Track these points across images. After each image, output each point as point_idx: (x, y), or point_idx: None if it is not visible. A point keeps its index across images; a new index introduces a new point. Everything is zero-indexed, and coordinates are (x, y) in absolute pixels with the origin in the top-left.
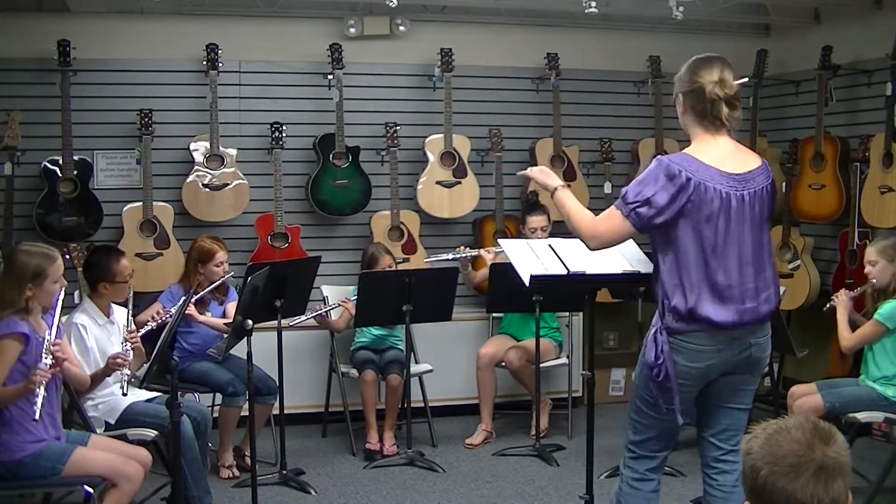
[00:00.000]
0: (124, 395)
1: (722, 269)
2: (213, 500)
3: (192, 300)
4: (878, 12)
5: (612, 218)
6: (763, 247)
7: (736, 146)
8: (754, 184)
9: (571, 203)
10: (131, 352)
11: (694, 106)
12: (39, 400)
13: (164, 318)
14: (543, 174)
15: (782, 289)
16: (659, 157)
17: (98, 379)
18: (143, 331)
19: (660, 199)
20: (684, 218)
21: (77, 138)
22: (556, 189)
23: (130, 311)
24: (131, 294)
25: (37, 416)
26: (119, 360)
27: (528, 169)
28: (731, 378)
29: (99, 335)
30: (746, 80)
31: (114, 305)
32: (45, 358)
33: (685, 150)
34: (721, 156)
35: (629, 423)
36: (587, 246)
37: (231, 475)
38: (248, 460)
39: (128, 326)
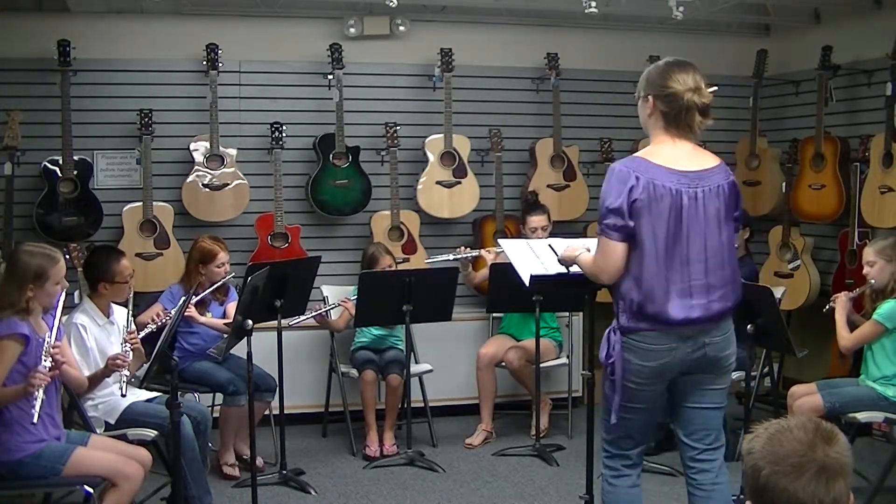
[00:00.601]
0: (123, 395)
1: (669, 266)
2: (213, 500)
3: (193, 301)
4: (878, 12)
5: (601, 247)
6: (721, 244)
7: (693, 147)
8: (709, 181)
9: (587, 260)
10: (131, 353)
11: (665, 111)
12: (38, 403)
13: (164, 320)
14: (570, 251)
15: (782, 289)
16: (611, 165)
17: (97, 379)
18: (143, 333)
19: (619, 203)
20: (637, 217)
21: (77, 138)
22: (578, 255)
23: (130, 312)
24: (131, 294)
25: (35, 420)
26: (118, 361)
27: (563, 255)
28: (691, 378)
29: (99, 335)
30: (716, 88)
31: (114, 305)
32: (45, 360)
33: (636, 153)
34: (673, 156)
35: (602, 423)
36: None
37: (233, 474)
38: (259, 459)
39: (128, 327)
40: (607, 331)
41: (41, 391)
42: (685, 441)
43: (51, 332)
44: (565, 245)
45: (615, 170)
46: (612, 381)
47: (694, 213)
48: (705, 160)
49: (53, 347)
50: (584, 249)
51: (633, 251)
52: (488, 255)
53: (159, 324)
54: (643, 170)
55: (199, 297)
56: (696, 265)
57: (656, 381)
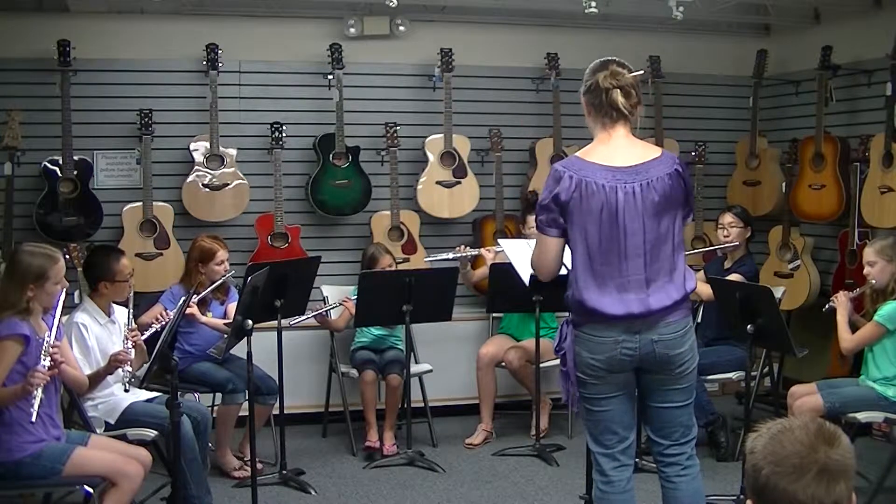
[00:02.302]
0: (126, 391)
1: (605, 262)
2: (213, 500)
3: (194, 300)
4: (878, 12)
5: (539, 244)
6: (661, 238)
7: (631, 141)
8: (647, 175)
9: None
10: (133, 350)
11: (592, 102)
12: (36, 402)
13: (167, 321)
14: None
15: (782, 289)
16: (553, 165)
17: (99, 378)
18: (146, 334)
19: (553, 202)
20: (571, 214)
21: (77, 138)
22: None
23: (131, 311)
24: (132, 294)
25: (33, 419)
26: (121, 358)
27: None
28: (650, 377)
29: (100, 334)
30: (642, 72)
31: (114, 305)
32: (44, 360)
33: (575, 153)
34: (609, 152)
35: (582, 425)
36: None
37: (241, 475)
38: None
39: (129, 325)
40: (561, 322)
41: (39, 390)
42: (653, 437)
43: (50, 331)
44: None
45: (553, 168)
46: (564, 371)
47: (632, 207)
48: (646, 153)
49: (53, 347)
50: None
51: (572, 247)
52: (487, 255)
53: (163, 323)
54: (577, 168)
55: (199, 297)
56: (633, 260)
57: (608, 375)
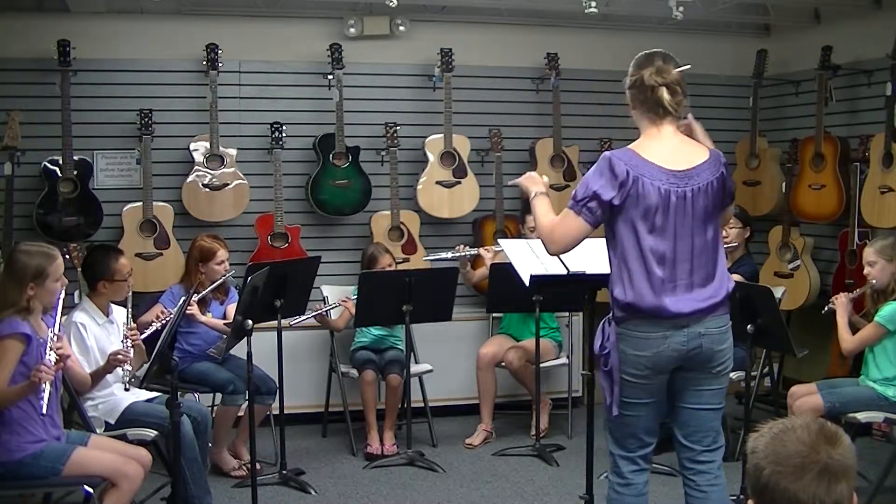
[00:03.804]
0: (126, 390)
1: (658, 263)
2: (213, 499)
3: (194, 300)
4: (878, 12)
5: (566, 219)
6: (707, 243)
7: (681, 140)
8: (698, 180)
9: (542, 211)
10: (132, 349)
11: (638, 97)
12: (46, 395)
13: (166, 319)
14: (529, 180)
15: (782, 289)
16: (605, 152)
17: (99, 376)
18: (147, 332)
19: (606, 193)
20: (624, 212)
21: (77, 138)
22: (533, 196)
23: (130, 310)
24: (130, 293)
25: (44, 410)
26: (120, 357)
27: (517, 179)
28: (687, 375)
29: (98, 334)
30: (688, 66)
31: (113, 305)
32: (49, 354)
33: (630, 146)
34: (664, 152)
35: (604, 425)
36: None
37: (240, 474)
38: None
39: (128, 324)
40: (602, 322)
41: (48, 384)
42: (683, 442)
43: (52, 328)
44: (529, 175)
45: (608, 157)
46: (607, 372)
47: (682, 212)
48: (695, 155)
49: (57, 342)
50: (543, 191)
51: (618, 247)
52: (486, 254)
53: (162, 321)
54: (635, 165)
55: (199, 296)
56: (682, 264)
57: (652, 373)
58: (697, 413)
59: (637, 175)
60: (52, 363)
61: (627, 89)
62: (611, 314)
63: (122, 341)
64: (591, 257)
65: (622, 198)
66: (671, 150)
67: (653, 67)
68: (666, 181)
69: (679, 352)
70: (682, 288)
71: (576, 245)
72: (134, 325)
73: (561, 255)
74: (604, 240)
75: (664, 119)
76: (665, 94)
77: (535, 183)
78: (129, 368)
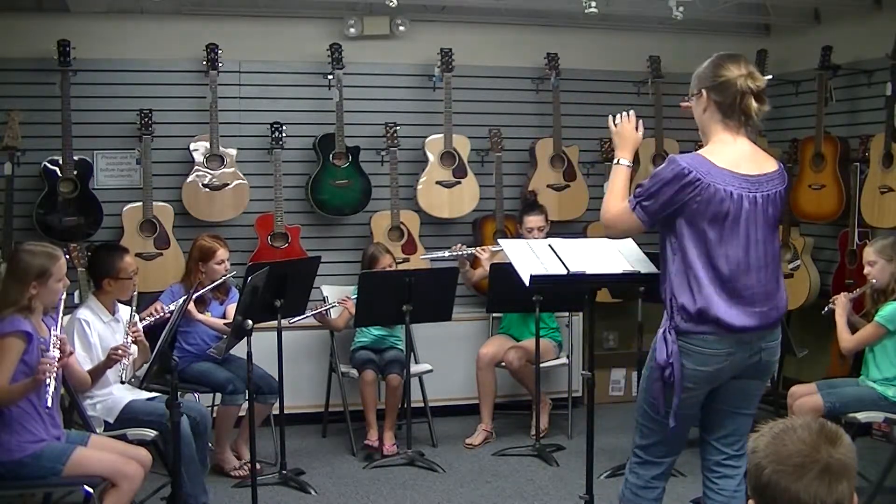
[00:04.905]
0: (122, 383)
1: (733, 272)
2: (209, 500)
3: (193, 297)
4: (878, 12)
5: (625, 210)
6: (776, 251)
7: (754, 149)
8: (768, 186)
9: (618, 185)
10: (133, 345)
11: (719, 101)
12: (51, 389)
13: (161, 314)
14: (621, 137)
15: None
16: (672, 156)
17: (99, 372)
18: (142, 323)
19: (664, 194)
20: (691, 217)
21: (77, 138)
22: (616, 162)
23: (134, 308)
24: (135, 292)
25: (49, 404)
26: (119, 352)
27: (616, 121)
28: (740, 383)
29: (103, 332)
30: (771, 77)
31: (119, 305)
32: (53, 350)
33: (699, 151)
34: (735, 158)
35: (636, 427)
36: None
37: (241, 475)
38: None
39: (130, 320)
40: (662, 331)
41: (52, 379)
42: (715, 445)
43: (55, 326)
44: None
45: (675, 161)
46: (665, 383)
47: (754, 218)
48: (766, 164)
49: (59, 339)
50: (628, 160)
51: (687, 253)
52: (483, 254)
53: (156, 317)
54: (705, 171)
55: (198, 294)
56: (757, 272)
57: (706, 386)
58: (740, 417)
59: (708, 182)
60: (56, 359)
61: (706, 90)
62: (669, 324)
63: (125, 337)
64: (592, 257)
65: (686, 201)
66: (742, 156)
67: (744, 71)
68: (738, 186)
69: (737, 367)
70: (759, 297)
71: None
72: (137, 319)
73: (562, 256)
74: (605, 240)
75: (742, 127)
76: (753, 103)
77: (626, 143)
78: (126, 362)
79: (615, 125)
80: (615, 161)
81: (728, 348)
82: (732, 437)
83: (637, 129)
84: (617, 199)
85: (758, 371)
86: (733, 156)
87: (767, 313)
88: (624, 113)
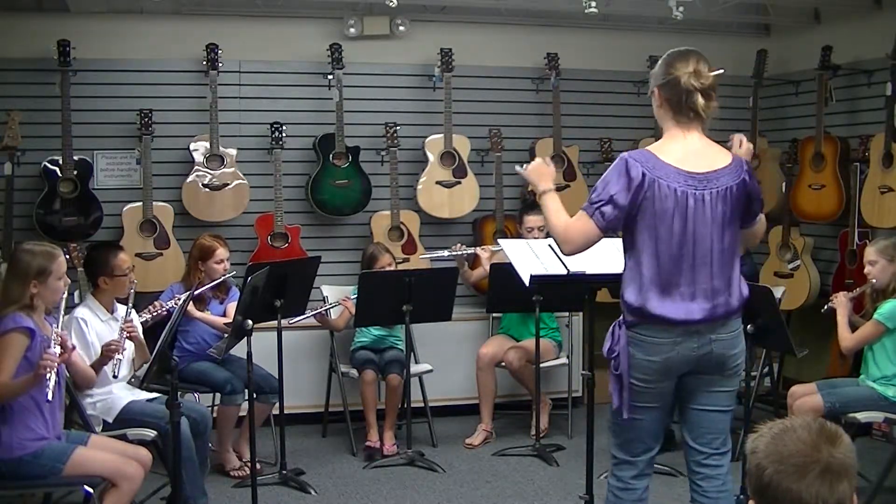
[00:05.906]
0: (115, 377)
1: (674, 268)
2: (208, 500)
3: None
4: (878, 12)
5: (580, 220)
6: (724, 248)
7: (705, 144)
8: (717, 183)
9: (553, 208)
10: (128, 341)
11: (669, 98)
12: (52, 383)
13: (159, 311)
14: (536, 173)
15: (781, 289)
16: (622, 153)
17: (95, 369)
18: (139, 318)
19: (621, 196)
20: (640, 214)
21: (77, 138)
22: (543, 193)
23: (130, 305)
24: (133, 290)
25: (50, 397)
26: (112, 347)
27: (525, 167)
28: (699, 378)
29: (101, 330)
30: (722, 71)
31: (117, 303)
32: (54, 345)
33: (648, 147)
34: (683, 154)
35: (608, 427)
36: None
37: (241, 475)
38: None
39: (126, 317)
40: (613, 324)
41: (53, 373)
42: (692, 445)
43: (56, 324)
44: (538, 165)
45: (625, 159)
46: (617, 375)
47: (700, 215)
48: (716, 159)
49: (60, 335)
50: (552, 187)
51: (632, 250)
52: (483, 254)
53: (154, 314)
54: (651, 166)
55: (198, 293)
56: (701, 269)
57: (661, 378)
58: (708, 415)
59: (653, 177)
60: (57, 354)
61: (657, 86)
62: (622, 317)
63: (119, 333)
64: (592, 257)
65: (638, 201)
66: (691, 153)
67: (690, 69)
68: (683, 183)
69: (689, 357)
70: (701, 293)
71: (590, 246)
72: (133, 316)
73: (562, 256)
74: (605, 240)
75: (692, 122)
76: (700, 100)
77: (543, 177)
78: (120, 358)
79: (524, 170)
80: (539, 194)
81: (674, 337)
82: (708, 435)
83: (547, 164)
84: (560, 215)
85: (714, 365)
86: (681, 152)
87: (712, 310)
88: (525, 164)
